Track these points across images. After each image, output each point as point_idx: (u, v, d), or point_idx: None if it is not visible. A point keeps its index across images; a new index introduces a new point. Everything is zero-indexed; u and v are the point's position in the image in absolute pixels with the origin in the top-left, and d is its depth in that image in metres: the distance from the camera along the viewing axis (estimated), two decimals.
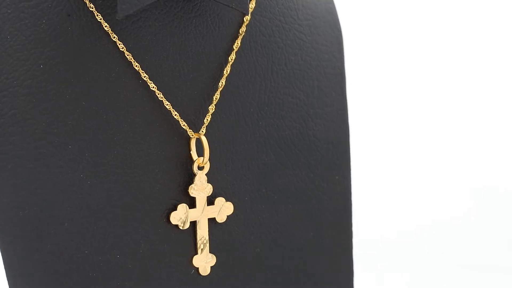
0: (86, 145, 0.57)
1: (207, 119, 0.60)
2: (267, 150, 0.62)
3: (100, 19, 0.57)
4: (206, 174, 0.60)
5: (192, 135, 0.59)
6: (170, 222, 0.59)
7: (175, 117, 0.59)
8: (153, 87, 0.58)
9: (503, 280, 1.06)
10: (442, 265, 1.10)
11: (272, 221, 0.63)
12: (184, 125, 0.59)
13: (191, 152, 0.59)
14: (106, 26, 0.57)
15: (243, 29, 0.61)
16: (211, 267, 0.61)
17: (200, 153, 0.60)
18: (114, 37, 0.57)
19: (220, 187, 0.61)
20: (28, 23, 0.56)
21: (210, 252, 0.61)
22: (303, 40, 0.64)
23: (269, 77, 0.62)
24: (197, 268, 0.61)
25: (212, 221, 0.61)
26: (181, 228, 0.59)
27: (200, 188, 0.60)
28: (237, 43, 0.61)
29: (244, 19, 0.61)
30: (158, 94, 0.58)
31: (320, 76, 0.65)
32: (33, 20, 0.56)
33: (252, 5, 0.62)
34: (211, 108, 0.60)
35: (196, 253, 0.60)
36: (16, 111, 0.55)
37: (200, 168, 0.60)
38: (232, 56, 0.61)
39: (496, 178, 1.23)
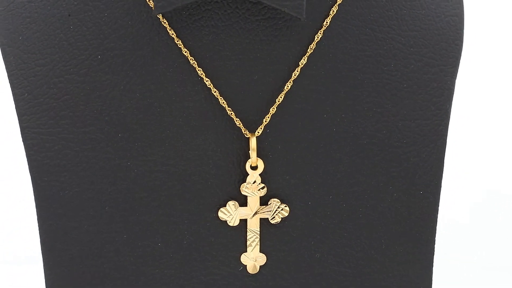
0: (137, 135, 0.55)
1: (265, 120, 0.56)
2: (341, 157, 0.58)
3: (159, 15, 0.55)
4: (263, 175, 0.57)
5: (247, 135, 0.56)
6: (219, 218, 0.57)
7: (230, 115, 0.56)
8: (209, 84, 0.56)
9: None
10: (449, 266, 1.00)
11: (338, 228, 0.58)
12: (239, 124, 0.56)
13: (249, 151, 0.56)
14: (164, 22, 0.55)
15: (319, 34, 0.57)
16: (261, 266, 0.58)
17: (258, 152, 0.56)
18: (172, 34, 0.55)
19: (280, 189, 0.57)
20: (91, 15, 0.56)
21: (261, 252, 0.58)
22: (401, 51, 0.58)
23: (351, 85, 0.58)
24: (245, 266, 0.58)
25: (268, 222, 0.58)
26: (229, 224, 0.57)
27: (253, 187, 0.57)
28: (311, 48, 0.57)
29: (324, 23, 0.57)
30: (214, 92, 0.56)
31: (418, 89, 0.59)
32: (96, 13, 0.56)
33: (332, 11, 0.58)
34: (272, 110, 0.56)
35: (245, 251, 0.58)
36: (69, 97, 0.55)
37: (254, 167, 0.57)
38: (303, 61, 0.56)
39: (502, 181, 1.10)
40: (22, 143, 0.55)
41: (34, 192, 0.56)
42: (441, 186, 0.61)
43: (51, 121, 0.55)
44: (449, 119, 0.61)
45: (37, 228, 0.56)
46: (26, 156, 0.56)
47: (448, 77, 0.60)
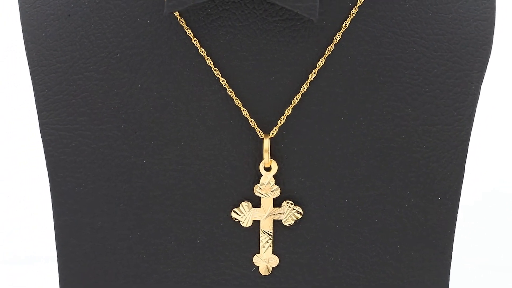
0: (153, 133, 0.56)
1: (280, 121, 0.56)
2: (358, 161, 0.57)
3: (177, 15, 0.55)
4: (278, 176, 0.56)
5: (262, 136, 0.56)
6: (232, 218, 0.57)
7: (245, 116, 0.56)
8: (225, 85, 0.55)
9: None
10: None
11: (353, 232, 0.58)
12: (254, 124, 0.56)
13: (264, 152, 0.56)
14: (182, 22, 0.55)
15: (337, 36, 0.56)
16: (274, 268, 0.58)
17: (273, 154, 0.56)
18: (189, 33, 0.55)
19: (295, 190, 0.57)
20: (111, 13, 0.56)
21: (274, 254, 0.57)
22: (424, 54, 0.57)
23: (370, 88, 0.57)
24: (258, 267, 0.57)
25: (282, 223, 0.57)
26: (242, 225, 0.57)
27: (266, 188, 0.56)
28: (329, 50, 0.56)
29: (343, 25, 0.57)
30: (230, 92, 0.56)
31: (441, 94, 0.58)
32: (117, 11, 0.56)
33: (352, 13, 0.57)
34: (288, 111, 0.56)
35: (258, 252, 0.57)
36: (88, 94, 0.56)
37: (267, 169, 0.56)
38: (320, 63, 0.56)
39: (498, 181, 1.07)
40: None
41: (50, 188, 0.57)
42: (460, 193, 0.60)
43: (69, 117, 0.56)
44: (472, 125, 0.60)
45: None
46: (44, 152, 0.57)
47: (473, 82, 0.59)
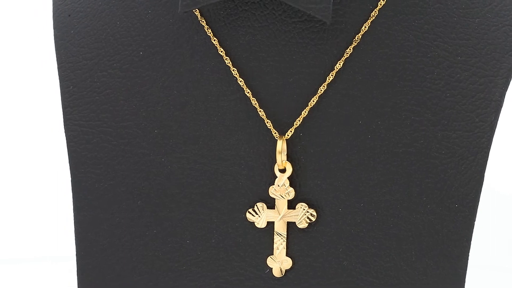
0: (172, 132, 0.56)
1: (296, 123, 0.56)
2: (375, 165, 0.56)
3: (198, 14, 0.56)
4: (295, 178, 0.56)
5: (277, 137, 0.56)
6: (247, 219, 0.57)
7: (261, 116, 0.56)
8: (243, 85, 0.56)
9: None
10: None
11: (367, 236, 0.57)
12: (270, 125, 0.56)
13: (277, 153, 0.56)
14: (202, 21, 0.56)
15: (357, 38, 0.56)
16: (287, 270, 0.57)
17: (290, 155, 0.56)
18: (209, 33, 0.56)
19: (311, 193, 0.56)
20: (136, 12, 0.57)
21: (288, 256, 0.57)
22: (447, 59, 0.57)
23: (389, 92, 0.56)
24: (271, 269, 0.57)
25: (296, 226, 0.57)
26: (257, 226, 0.57)
27: (281, 190, 0.56)
28: (348, 52, 0.56)
29: (363, 27, 0.56)
30: (248, 92, 0.56)
31: (462, 99, 0.57)
32: (141, 10, 0.57)
33: (372, 16, 0.57)
34: (304, 113, 0.56)
35: (272, 254, 0.57)
36: (111, 91, 0.57)
37: (282, 170, 0.56)
38: (339, 65, 0.56)
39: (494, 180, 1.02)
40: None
41: (71, 183, 0.57)
42: (479, 200, 0.59)
43: (92, 114, 0.57)
44: (493, 132, 0.59)
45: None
46: (67, 147, 0.57)
47: (498, 88, 0.58)
